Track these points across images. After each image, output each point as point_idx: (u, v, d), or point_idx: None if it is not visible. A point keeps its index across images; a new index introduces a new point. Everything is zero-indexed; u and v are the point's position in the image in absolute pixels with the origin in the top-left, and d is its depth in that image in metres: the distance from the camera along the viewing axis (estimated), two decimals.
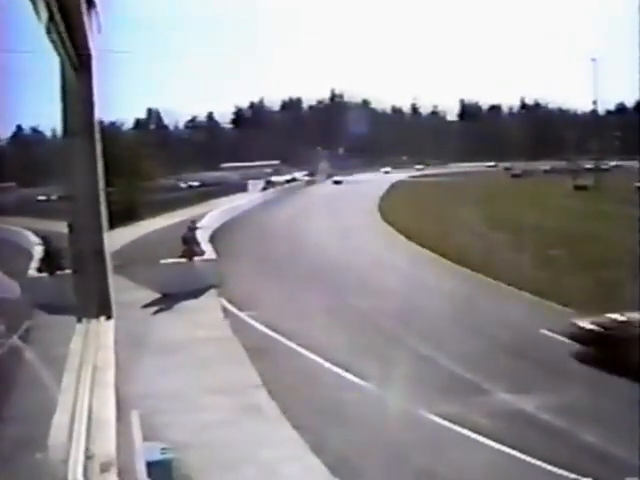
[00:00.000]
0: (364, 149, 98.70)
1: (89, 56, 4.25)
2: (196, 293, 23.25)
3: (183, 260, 25.31)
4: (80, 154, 4.54)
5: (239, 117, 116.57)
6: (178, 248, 25.90)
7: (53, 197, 52.48)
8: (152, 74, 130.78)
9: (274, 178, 75.94)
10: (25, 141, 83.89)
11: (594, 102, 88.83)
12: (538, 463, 11.19)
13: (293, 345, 17.83)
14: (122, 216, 33.86)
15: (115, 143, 44.10)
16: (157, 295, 23.34)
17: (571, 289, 22.39)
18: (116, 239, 22.13)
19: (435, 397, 14.07)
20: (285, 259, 29.67)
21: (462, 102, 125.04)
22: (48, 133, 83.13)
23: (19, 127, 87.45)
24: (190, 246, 26.02)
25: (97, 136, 4.56)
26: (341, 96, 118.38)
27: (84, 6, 3.67)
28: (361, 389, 14.82)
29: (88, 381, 3.31)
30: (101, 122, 4.79)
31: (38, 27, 3.30)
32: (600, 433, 12.09)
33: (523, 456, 11.41)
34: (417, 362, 15.96)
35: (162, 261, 25.12)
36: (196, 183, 75.22)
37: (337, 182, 75.86)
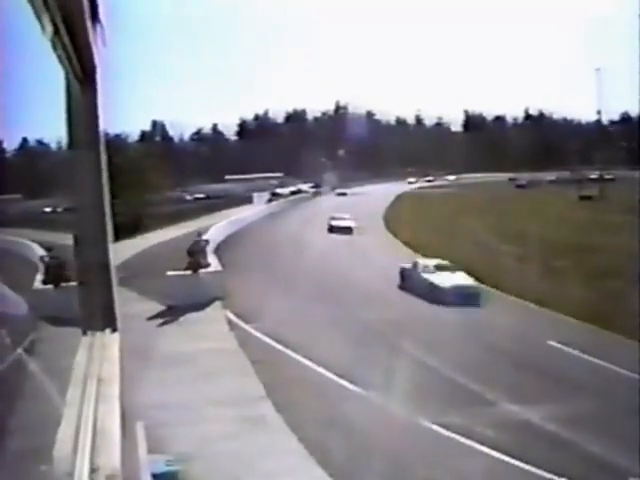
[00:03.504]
0: (369, 160, 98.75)
1: (94, 69, 4.27)
2: (201, 305, 23.26)
3: (188, 272, 25.32)
4: (85, 166, 4.54)
5: (244, 129, 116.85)
6: (184, 260, 25.92)
7: (59, 209, 52.58)
8: (157, 86, 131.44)
9: (279, 190, 75.96)
10: (31, 153, 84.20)
11: (598, 112, 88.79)
12: None
13: (298, 357, 17.84)
14: (128, 228, 33.94)
15: (120, 155, 44.30)
16: (162, 307, 23.37)
17: (574, 299, 22.57)
18: (122, 251, 22.25)
19: None
20: (290, 271, 29.63)
21: (466, 113, 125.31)
22: (53, 145, 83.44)
23: (25, 139, 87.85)
24: (195, 258, 26.00)
25: (102, 148, 4.57)
26: (345, 107, 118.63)
27: (89, 20, 3.69)
28: (363, 398, 14.85)
29: (93, 394, 3.31)
30: (106, 134, 4.81)
31: (43, 41, 3.32)
32: None
33: None
34: None
35: (168, 273, 25.15)
36: (201, 195, 75.30)
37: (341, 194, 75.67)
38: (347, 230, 43.32)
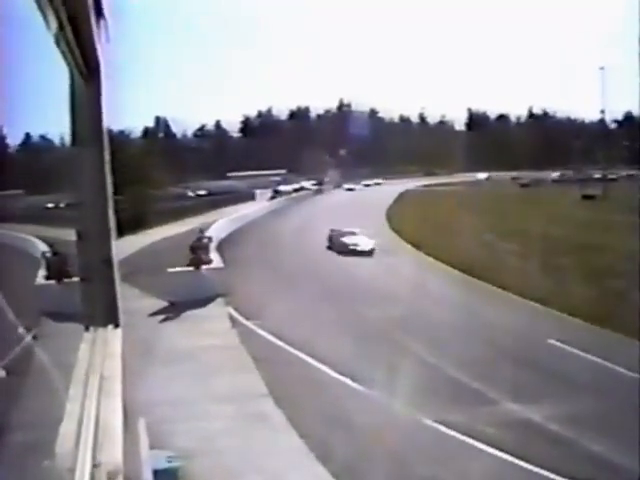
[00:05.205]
0: (372, 158, 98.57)
1: (98, 66, 4.28)
2: (203, 301, 23.26)
3: (190, 269, 25.33)
4: (88, 162, 4.55)
5: (247, 126, 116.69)
6: (186, 256, 25.92)
7: (61, 205, 52.52)
8: (160, 83, 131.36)
9: (282, 187, 75.75)
10: (34, 149, 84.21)
11: (602, 111, 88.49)
12: None
13: (299, 353, 17.86)
14: (130, 224, 33.91)
15: (124, 151, 44.21)
16: (164, 303, 23.38)
17: (576, 297, 22.60)
18: (124, 247, 22.23)
19: None
20: (292, 268, 29.64)
21: (470, 111, 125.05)
22: (57, 141, 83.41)
23: (28, 135, 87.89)
24: (198, 255, 26.00)
25: (106, 144, 4.58)
26: (349, 105, 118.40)
27: (93, 16, 3.70)
28: (363, 396, 14.90)
29: (95, 389, 3.32)
30: (110, 130, 4.81)
31: (48, 38, 3.33)
32: None
33: None
34: None
35: (170, 269, 25.15)
36: (204, 192, 75.15)
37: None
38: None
